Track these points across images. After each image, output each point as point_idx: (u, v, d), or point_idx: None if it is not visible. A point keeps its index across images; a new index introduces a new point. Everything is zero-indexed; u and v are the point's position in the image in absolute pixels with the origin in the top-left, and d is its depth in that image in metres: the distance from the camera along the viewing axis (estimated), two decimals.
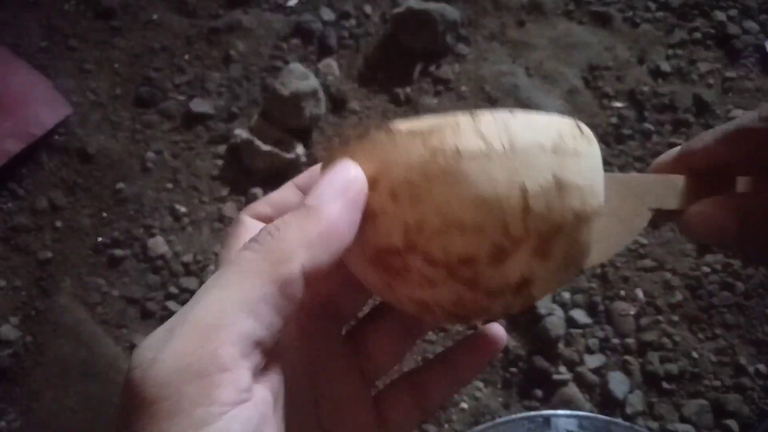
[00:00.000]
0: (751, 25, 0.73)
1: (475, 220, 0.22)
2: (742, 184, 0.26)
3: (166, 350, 0.20)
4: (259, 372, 0.21)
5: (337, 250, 0.22)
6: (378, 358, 0.31)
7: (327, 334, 0.29)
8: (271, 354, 0.22)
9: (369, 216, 0.22)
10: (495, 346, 0.30)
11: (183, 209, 0.66)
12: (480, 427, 0.51)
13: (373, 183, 0.22)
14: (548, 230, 0.23)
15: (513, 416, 0.51)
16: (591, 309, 0.60)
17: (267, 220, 0.26)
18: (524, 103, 0.69)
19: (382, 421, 0.30)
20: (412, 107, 0.70)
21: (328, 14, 0.76)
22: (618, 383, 0.56)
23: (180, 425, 0.19)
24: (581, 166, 0.25)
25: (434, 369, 0.30)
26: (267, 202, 0.28)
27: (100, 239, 0.65)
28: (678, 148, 0.26)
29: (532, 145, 0.23)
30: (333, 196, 0.22)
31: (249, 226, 0.27)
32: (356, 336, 0.31)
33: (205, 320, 0.20)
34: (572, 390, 0.55)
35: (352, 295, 0.29)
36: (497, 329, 0.29)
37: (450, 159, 0.22)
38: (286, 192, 0.28)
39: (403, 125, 0.22)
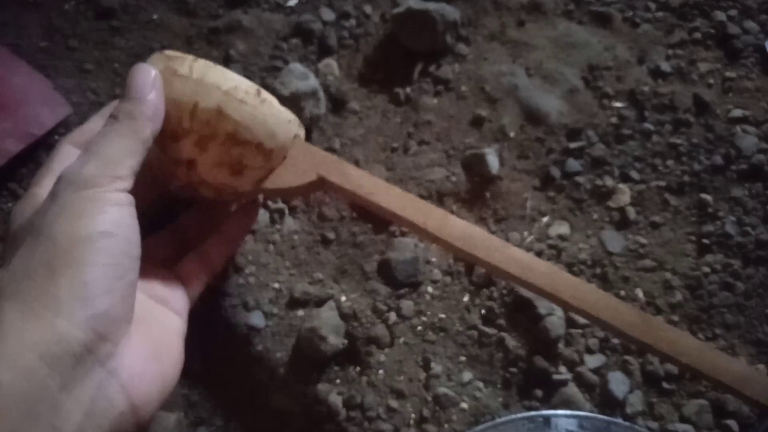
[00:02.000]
0: (751, 25, 0.73)
1: (168, 110, 0.40)
2: None
3: (88, 165, 0.37)
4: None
5: (161, 120, 0.40)
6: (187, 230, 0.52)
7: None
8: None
9: None
10: (251, 217, 0.53)
11: None
12: (480, 427, 0.51)
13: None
14: (205, 134, 0.41)
15: (513, 416, 0.51)
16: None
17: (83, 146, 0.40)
18: (524, 103, 0.69)
19: (179, 278, 0.47)
20: (412, 107, 0.70)
21: (328, 14, 0.76)
22: (618, 383, 0.56)
23: (93, 191, 0.36)
24: (243, 110, 0.41)
25: (213, 239, 0.50)
26: (81, 131, 0.45)
27: None
28: None
29: (213, 83, 0.40)
30: (149, 88, 0.39)
31: (67, 153, 0.43)
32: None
33: (108, 154, 0.37)
34: (572, 390, 0.55)
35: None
36: (253, 206, 0.53)
37: (167, 74, 0.40)
38: (98, 122, 0.44)
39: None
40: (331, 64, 0.73)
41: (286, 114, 0.44)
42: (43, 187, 0.41)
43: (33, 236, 0.34)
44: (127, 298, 0.36)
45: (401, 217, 0.48)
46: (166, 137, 0.41)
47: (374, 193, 0.48)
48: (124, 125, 0.38)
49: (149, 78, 0.39)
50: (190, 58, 0.40)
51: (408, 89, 0.71)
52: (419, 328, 0.59)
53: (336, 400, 0.56)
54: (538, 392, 0.56)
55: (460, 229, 0.47)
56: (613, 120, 0.69)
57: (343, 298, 0.60)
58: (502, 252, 0.46)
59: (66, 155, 0.44)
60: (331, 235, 0.63)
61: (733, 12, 0.74)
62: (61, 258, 0.33)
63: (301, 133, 0.47)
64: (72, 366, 0.32)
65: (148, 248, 0.41)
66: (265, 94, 0.42)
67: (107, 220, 0.35)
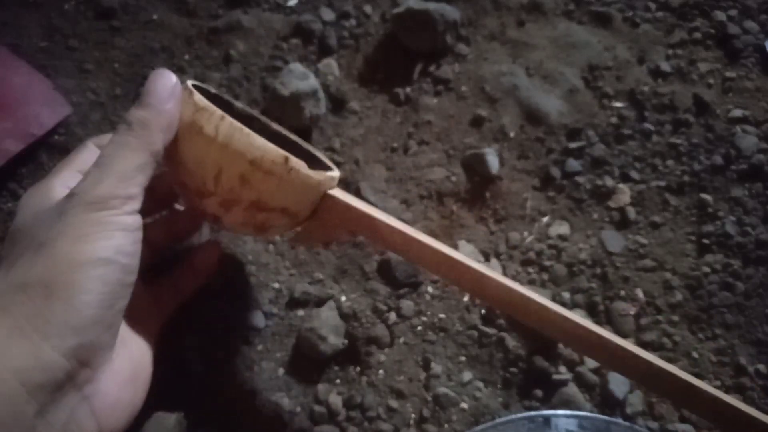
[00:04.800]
0: (751, 25, 0.73)
1: (192, 168, 0.38)
2: None
3: (101, 185, 0.36)
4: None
5: (174, 132, 0.38)
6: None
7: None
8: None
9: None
10: (215, 257, 0.54)
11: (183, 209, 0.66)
12: (480, 427, 0.51)
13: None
14: (228, 198, 0.39)
15: (513, 416, 0.51)
16: (591, 309, 0.60)
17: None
18: (524, 103, 0.69)
19: (154, 302, 0.47)
20: (412, 107, 0.70)
21: (328, 14, 0.76)
22: (618, 383, 0.56)
23: (102, 214, 0.34)
24: (269, 181, 0.39)
25: (183, 269, 0.51)
26: (103, 138, 0.45)
27: None
28: None
29: (238, 152, 0.37)
30: (167, 97, 0.37)
31: (91, 149, 0.43)
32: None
33: (120, 171, 0.36)
34: (572, 390, 0.55)
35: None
36: (210, 249, 0.53)
37: (193, 130, 0.37)
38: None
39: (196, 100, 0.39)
40: (331, 64, 0.73)
41: (316, 177, 0.41)
42: (60, 179, 0.40)
43: (34, 250, 0.34)
44: (114, 326, 0.36)
45: (435, 273, 0.46)
46: (191, 191, 0.39)
47: (408, 251, 0.44)
48: (137, 137, 0.36)
49: (169, 85, 0.38)
50: (217, 115, 0.37)
51: (408, 89, 0.71)
52: (419, 328, 0.59)
53: (336, 400, 0.56)
54: (538, 392, 0.56)
55: (495, 288, 0.44)
56: (613, 120, 0.69)
57: (343, 298, 0.60)
58: (540, 315, 0.43)
59: (90, 153, 0.43)
60: None
61: (733, 12, 0.74)
62: (59, 280, 0.32)
63: (334, 185, 0.44)
64: (51, 392, 0.32)
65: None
66: (293, 162, 0.39)
67: (110, 246, 0.34)
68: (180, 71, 0.73)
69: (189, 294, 0.50)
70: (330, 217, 0.43)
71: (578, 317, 0.44)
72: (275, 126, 0.50)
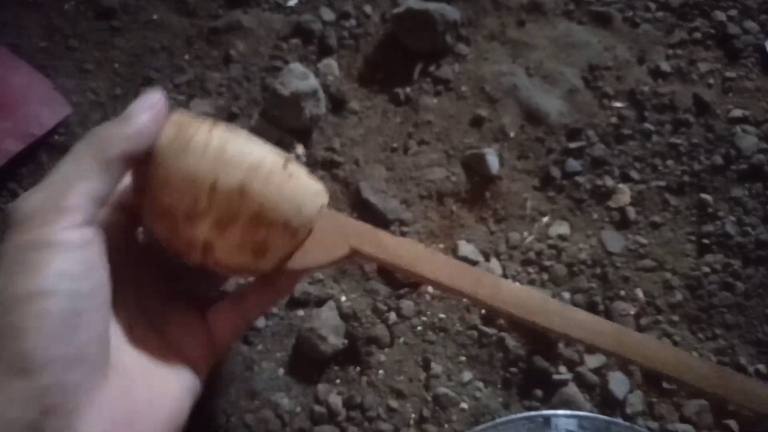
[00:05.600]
0: (751, 25, 0.73)
1: (181, 187, 0.33)
2: None
3: (32, 198, 0.30)
4: (94, 231, 0.31)
5: (145, 145, 0.33)
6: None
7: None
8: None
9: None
10: (296, 277, 0.42)
11: None
12: (480, 427, 0.51)
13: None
14: (225, 215, 0.34)
15: (513, 416, 0.51)
16: (591, 309, 0.60)
17: None
18: (524, 103, 0.69)
19: (206, 323, 0.38)
20: (412, 107, 0.70)
21: (328, 14, 0.76)
22: (618, 383, 0.56)
23: (34, 233, 0.29)
24: (269, 188, 0.34)
25: (255, 285, 0.40)
26: None
27: None
28: None
29: (234, 157, 0.33)
30: (143, 109, 0.33)
31: None
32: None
33: (56, 181, 0.30)
34: (572, 390, 0.55)
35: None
36: (293, 273, 0.40)
37: (179, 145, 0.33)
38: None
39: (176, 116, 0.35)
40: (331, 64, 0.73)
41: (314, 186, 0.38)
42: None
43: None
44: (86, 361, 0.29)
45: (449, 287, 0.43)
46: (178, 218, 0.34)
47: (416, 264, 0.41)
48: (87, 144, 0.32)
49: (149, 100, 0.34)
50: (207, 123, 0.34)
51: (408, 89, 0.71)
52: (419, 328, 0.59)
53: (336, 400, 0.56)
54: (538, 392, 0.56)
55: (514, 294, 0.42)
56: (613, 120, 0.69)
57: (343, 298, 0.60)
58: (562, 316, 0.42)
59: None
60: None
61: (733, 12, 0.74)
62: (1, 322, 0.27)
63: (327, 201, 0.41)
64: None
65: (181, 275, 0.35)
66: (293, 167, 0.35)
67: (48, 275, 0.28)
68: (180, 71, 0.73)
69: (258, 314, 0.41)
70: (329, 234, 0.39)
71: (602, 320, 0.44)
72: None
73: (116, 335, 0.33)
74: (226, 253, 0.35)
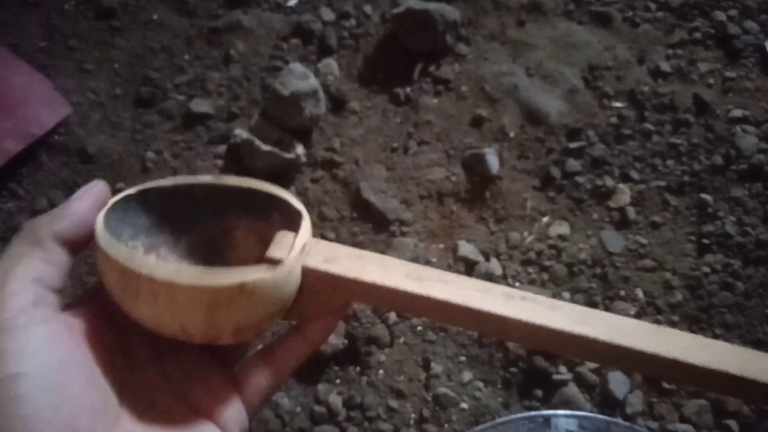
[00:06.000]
0: (751, 25, 0.73)
1: (155, 328, 0.32)
2: None
3: None
4: (61, 307, 0.30)
5: (76, 227, 0.31)
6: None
7: None
8: (81, 300, 0.32)
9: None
10: (339, 315, 0.37)
11: None
12: (480, 427, 0.51)
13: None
14: (208, 337, 0.33)
15: (513, 416, 0.51)
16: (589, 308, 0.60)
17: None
18: (524, 103, 0.69)
19: (236, 384, 0.34)
20: (412, 107, 0.70)
21: (328, 14, 0.76)
22: (618, 383, 0.56)
23: None
24: (237, 312, 0.32)
25: (286, 337, 0.36)
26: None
27: None
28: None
29: (188, 303, 0.32)
30: (77, 196, 0.32)
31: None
32: None
33: None
34: (572, 390, 0.55)
35: None
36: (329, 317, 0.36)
37: (128, 296, 0.32)
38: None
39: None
40: (331, 64, 0.73)
41: (285, 270, 0.33)
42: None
43: None
44: None
45: (454, 325, 0.40)
46: (165, 337, 0.33)
47: (415, 308, 0.36)
48: (21, 232, 0.31)
49: (87, 188, 0.32)
50: (144, 277, 0.31)
51: (408, 89, 0.71)
52: (419, 328, 0.59)
53: (336, 400, 0.56)
54: (538, 392, 0.56)
55: (523, 330, 0.35)
56: (613, 120, 0.69)
57: None
58: (575, 342, 0.34)
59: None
60: (332, 235, 0.63)
61: (733, 12, 0.74)
62: None
63: (309, 245, 0.36)
64: None
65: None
66: (251, 284, 0.32)
67: (8, 359, 0.27)
68: (180, 71, 0.73)
69: (290, 370, 0.37)
70: (321, 290, 0.36)
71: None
72: (223, 180, 0.39)
73: (137, 410, 0.31)
74: (222, 343, 0.34)
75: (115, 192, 0.34)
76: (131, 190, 0.35)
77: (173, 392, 0.33)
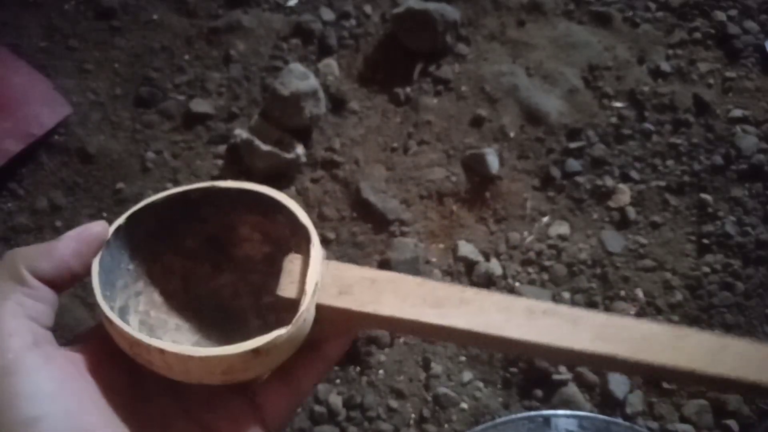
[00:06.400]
0: (751, 25, 0.73)
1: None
2: None
3: None
4: (61, 344, 0.29)
5: (60, 269, 0.30)
6: None
7: None
8: (79, 338, 0.31)
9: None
10: (349, 341, 0.36)
11: None
12: (480, 427, 0.51)
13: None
14: (231, 383, 0.32)
15: (513, 416, 0.51)
16: (591, 309, 0.60)
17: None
18: (524, 103, 0.69)
19: (256, 409, 0.33)
20: (412, 107, 0.70)
21: (328, 14, 0.76)
22: (618, 383, 0.56)
23: None
24: (255, 368, 0.31)
25: (303, 356, 0.34)
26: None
27: None
28: None
29: (203, 373, 0.31)
30: (70, 237, 0.31)
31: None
32: None
33: None
34: (572, 390, 0.55)
35: None
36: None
37: (143, 361, 0.30)
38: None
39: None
40: (331, 64, 0.73)
41: (300, 324, 0.32)
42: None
43: None
44: None
45: (478, 347, 0.39)
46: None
47: (435, 335, 0.35)
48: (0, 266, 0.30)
49: (83, 229, 0.31)
50: (154, 348, 0.30)
51: (408, 89, 0.71)
52: None
53: (336, 400, 0.56)
54: (538, 392, 0.56)
55: (546, 352, 0.34)
56: (613, 120, 0.69)
57: None
58: (599, 359, 0.32)
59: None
60: (332, 235, 0.63)
61: (733, 12, 0.74)
62: None
63: (321, 299, 0.34)
64: None
65: None
66: (264, 347, 0.31)
67: (24, 402, 0.26)
68: (180, 71, 0.73)
69: (309, 390, 0.36)
70: (333, 321, 0.35)
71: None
72: (222, 184, 0.36)
73: None
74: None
75: (114, 193, 0.32)
76: (121, 220, 0.34)
77: (191, 421, 0.32)
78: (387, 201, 0.64)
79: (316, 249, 0.32)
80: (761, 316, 0.59)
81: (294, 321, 0.30)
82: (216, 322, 0.36)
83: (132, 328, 0.30)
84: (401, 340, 0.59)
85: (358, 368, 0.57)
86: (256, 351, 0.30)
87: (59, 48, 0.74)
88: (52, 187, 0.68)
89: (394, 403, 0.56)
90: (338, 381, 0.57)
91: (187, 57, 0.74)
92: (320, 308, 0.33)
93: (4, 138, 0.65)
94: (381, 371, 0.57)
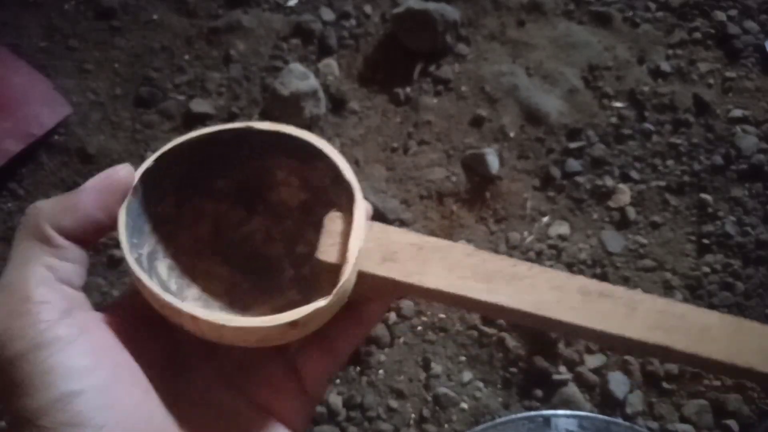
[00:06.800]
0: (751, 25, 0.73)
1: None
2: None
3: None
4: (93, 309, 0.27)
5: (86, 224, 0.28)
6: None
7: None
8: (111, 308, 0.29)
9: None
10: (388, 305, 0.34)
11: None
12: (480, 427, 0.51)
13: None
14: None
15: (513, 416, 0.51)
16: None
17: None
18: (524, 103, 0.69)
19: (294, 373, 0.32)
20: (412, 107, 0.70)
21: (328, 14, 0.76)
22: (618, 383, 0.56)
23: (19, 344, 0.25)
24: (292, 338, 0.29)
25: (341, 321, 0.31)
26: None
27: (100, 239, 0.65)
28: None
29: (238, 341, 0.29)
30: (93, 187, 0.29)
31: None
32: None
33: (12, 282, 0.26)
34: (572, 390, 0.55)
35: None
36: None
37: (177, 325, 0.28)
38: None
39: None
40: (331, 64, 0.73)
41: (343, 289, 0.30)
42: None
43: None
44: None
45: (526, 325, 0.36)
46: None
47: (483, 310, 0.33)
48: (22, 226, 0.28)
49: (107, 173, 0.29)
50: (185, 314, 0.29)
51: (408, 89, 0.71)
52: (419, 328, 0.59)
53: (336, 400, 0.56)
54: (538, 392, 0.56)
55: (597, 337, 0.31)
56: (613, 120, 0.69)
57: None
58: (652, 350, 0.31)
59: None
60: None
61: (733, 12, 0.74)
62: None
63: (364, 267, 0.31)
64: None
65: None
66: (303, 319, 0.29)
67: (58, 379, 0.25)
68: (180, 71, 0.73)
69: (347, 356, 0.34)
70: (375, 288, 0.32)
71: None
72: (259, 125, 0.34)
73: (193, 413, 0.29)
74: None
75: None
76: (149, 162, 0.32)
77: (229, 387, 0.30)
78: (387, 201, 0.64)
79: (360, 210, 0.30)
80: (761, 316, 0.59)
81: (335, 292, 0.28)
82: (247, 270, 0.33)
83: (161, 275, 0.29)
84: (401, 340, 0.59)
85: (358, 368, 0.57)
86: (293, 323, 0.28)
87: (59, 48, 0.74)
88: (52, 187, 0.68)
89: (394, 403, 0.56)
90: (338, 381, 0.57)
91: (187, 57, 0.74)
92: (361, 275, 0.30)
93: (4, 138, 0.65)
94: (381, 371, 0.57)
